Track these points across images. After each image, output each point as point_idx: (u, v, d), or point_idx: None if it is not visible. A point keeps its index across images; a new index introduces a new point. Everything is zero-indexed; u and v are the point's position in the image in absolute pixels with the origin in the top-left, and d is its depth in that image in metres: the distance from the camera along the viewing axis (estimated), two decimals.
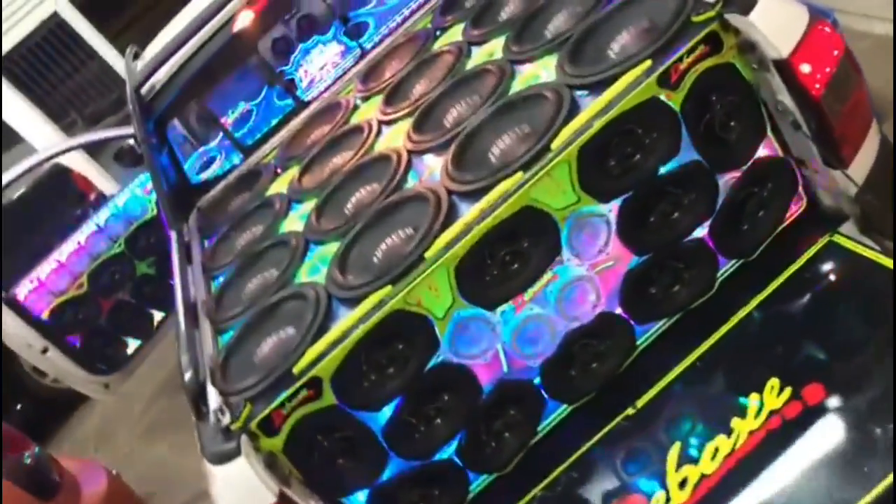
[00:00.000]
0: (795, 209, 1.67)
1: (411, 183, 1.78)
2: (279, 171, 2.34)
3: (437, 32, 2.34)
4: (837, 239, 1.59)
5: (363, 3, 2.61)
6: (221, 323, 1.80)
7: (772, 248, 1.67)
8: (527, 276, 1.56)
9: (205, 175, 2.65)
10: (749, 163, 1.61)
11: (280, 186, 2.23)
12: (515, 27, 1.94)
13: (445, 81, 2.00)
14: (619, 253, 1.61)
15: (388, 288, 1.48)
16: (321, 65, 2.59)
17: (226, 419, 1.47)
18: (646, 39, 1.56)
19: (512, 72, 1.80)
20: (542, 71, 1.76)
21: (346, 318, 1.49)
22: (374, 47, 2.58)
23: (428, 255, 1.48)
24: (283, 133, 2.54)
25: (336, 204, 1.90)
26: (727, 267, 1.68)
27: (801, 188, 1.66)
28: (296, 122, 2.54)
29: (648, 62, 1.48)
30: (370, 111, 2.23)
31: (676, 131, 1.52)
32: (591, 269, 1.61)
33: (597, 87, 1.53)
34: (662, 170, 1.55)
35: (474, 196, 1.52)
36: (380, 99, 2.20)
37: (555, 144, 1.48)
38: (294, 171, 2.23)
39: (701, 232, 1.63)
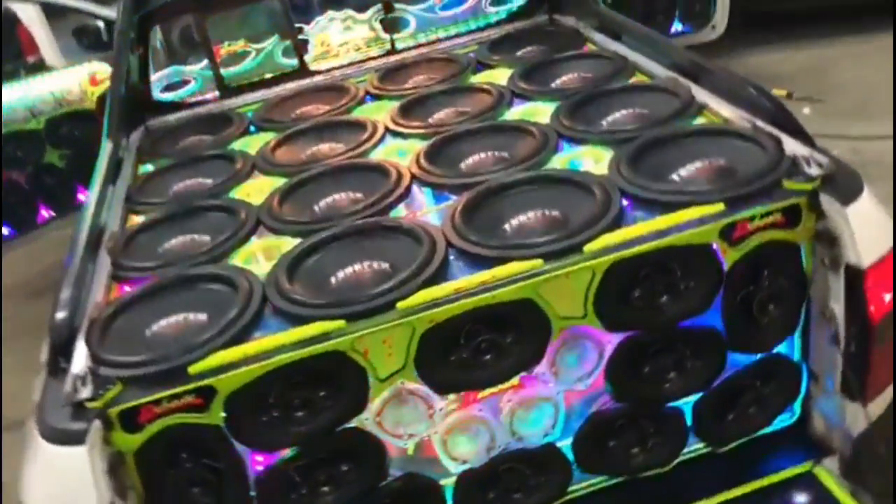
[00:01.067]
0: (781, 419, 1.52)
1: (403, 211, 1.54)
2: (252, 128, 2.06)
3: (478, 66, 2.14)
4: (819, 472, 1.43)
5: None
6: (124, 271, 1.49)
7: (744, 449, 1.50)
8: (496, 373, 1.32)
9: (168, 95, 2.33)
10: (765, 353, 1.44)
11: (248, 146, 1.95)
12: (572, 100, 1.75)
13: (476, 120, 1.78)
14: (595, 390, 1.40)
15: (341, 322, 1.22)
16: (343, 41, 2.33)
17: (85, 391, 1.17)
18: (721, 179, 1.38)
19: (555, 144, 1.60)
20: (589, 159, 1.57)
21: (276, 335, 1.22)
22: (405, 50, 2.35)
23: (401, 305, 1.23)
24: (274, 91, 2.26)
25: (306, 196, 1.63)
26: (691, 448, 1.50)
27: (799, 401, 1.50)
28: (291, 86, 2.26)
29: (721, 206, 1.30)
30: (379, 112, 1.99)
31: (715, 290, 1.34)
32: (560, 395, 1.39)
33: (653, 207, 1.34)
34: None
35: (479, 262, 1.29)
36: (394, 105, 1.96)
37: (588, 248, 1.27)
38: (269, 137, 1.96)
39: (683, 403, 1.45)
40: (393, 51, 2.34)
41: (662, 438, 1.46)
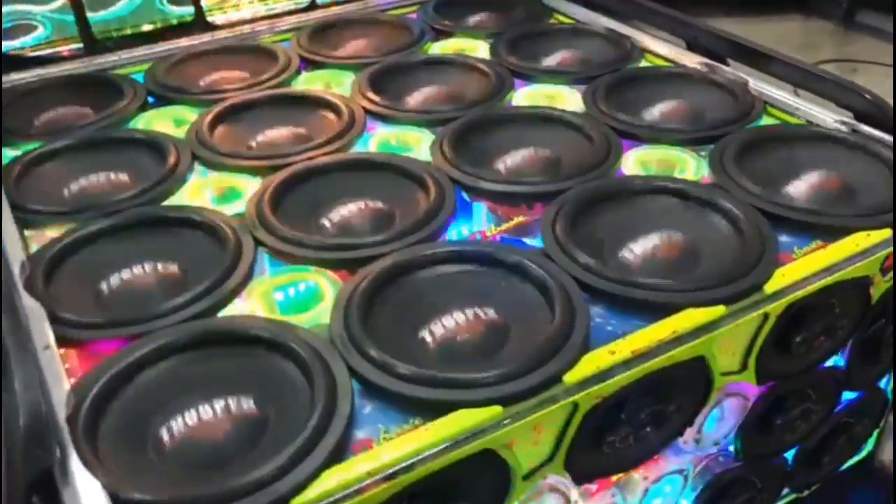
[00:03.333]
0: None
1: (464, 232, 1.16)
2: (150, 99, 1.51)
3: (434, 32, 1.76)
4: None
5: None
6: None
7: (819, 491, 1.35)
8: (648, 449, 1.02)
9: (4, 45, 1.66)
10: (867, 389, 1.29)
11: (163, 125, 1.42)
12: (601, 85, 1.46)
13: (486, 106, 1.42)
14: (718, 450, 1.16)
15: (497, 409, 0.85)
16: None
17: None
18: (867, 197, 1.18)
19: (619, 149, 1.30)
20: (654, 161, 1.30)
21: (405, 444, 0.82)
22: (326, 5, 1.88)
23: (568, 378, 0.89)
24: (162, 49, 1.69)
25: (310, 202, 1.19)
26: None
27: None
28: (184, 43, 1.71)
29: (889, 231, 1.10)
30: (335, 85, 1.56)
31: (859, 325, 1.15)
32: (691, 463, 1.12)
33: (813, 232, 1.10)
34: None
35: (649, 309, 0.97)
36: (356, 79, 1.53)
37: (769, 287, 1.01)
38: (183, 113, 1.45)
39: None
40: (314, 5, 1.86)
41: (767, 493, 1.26)
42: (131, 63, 1.66)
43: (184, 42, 1.71)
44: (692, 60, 1.57)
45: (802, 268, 1.03)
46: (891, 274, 1.13)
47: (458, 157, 1.26)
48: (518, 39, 1.69)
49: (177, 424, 0.84)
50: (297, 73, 1.60)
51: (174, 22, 1.74)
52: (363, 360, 0.89)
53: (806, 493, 1.33)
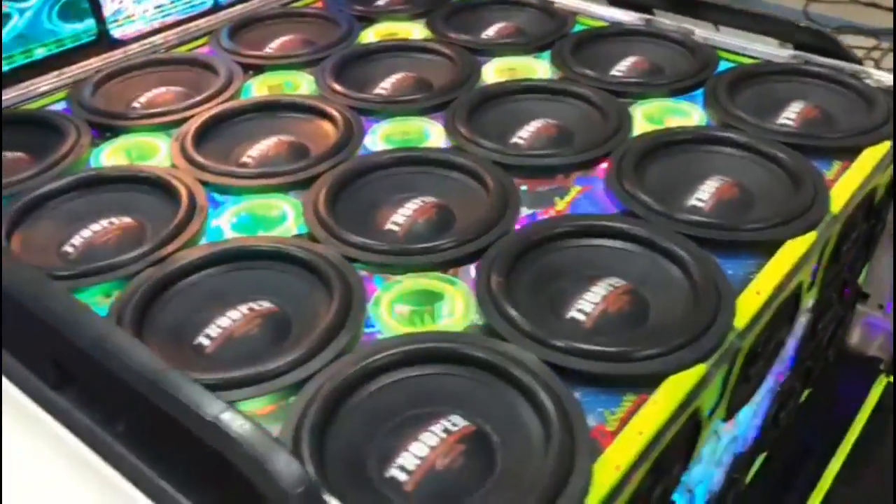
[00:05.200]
0: None
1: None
2: (97, 133, 1.32)
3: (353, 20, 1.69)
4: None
5: None
6: None
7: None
8: (763, 377, 1.10)
9: None
10: None
11: (122, 158, 1.25)
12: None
13: (462, 87, 1.41)
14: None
15: (702, 367, 0.87)
16: None
17: None
18: None
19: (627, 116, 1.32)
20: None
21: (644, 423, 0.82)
22: (227, 6, 1.73)
23: (737, 323, 0.93)
24: (67, 74, 1.47)
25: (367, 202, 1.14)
26: None
27: None
28: (95, 63, 1.50)
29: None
30: (294, 87, 1.46)
31: None
32: (775, 382, 1.22)
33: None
34: None
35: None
36: (319, 75, 1.45)
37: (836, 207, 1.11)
38: (153, 142, 1.30)
39: None
40: (217, 7, 1.71)
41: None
42: (40, 95, 1.44)
43: (94, 63, 1.51)
44: (629, 17, 1.65)
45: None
46: None
47: (475, 133, 1.26)
48: (452, 16, 1.68)
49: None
50: (242, 80, 1.48)
51: (73, 42, 1.52)
52: (555, 351, 0.88)
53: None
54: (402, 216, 1.10)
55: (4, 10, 1.44)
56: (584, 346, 0.87)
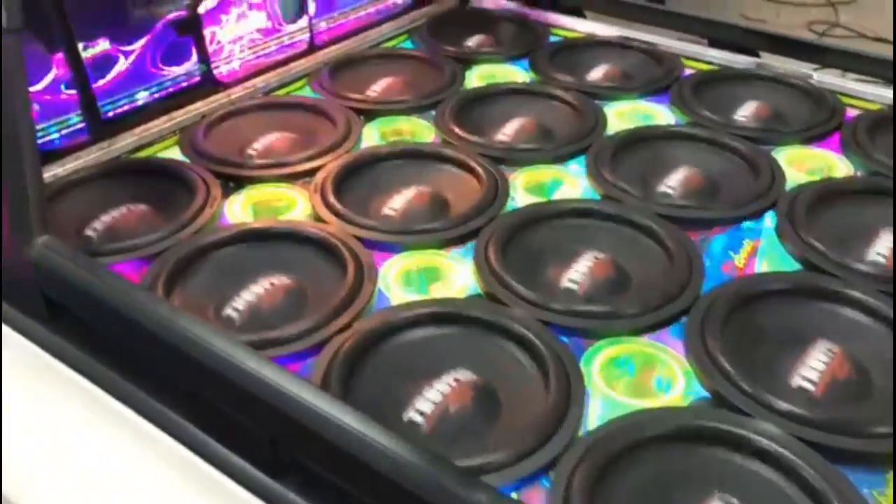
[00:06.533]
0: None
1: None
2: (224, 182, 1.25)
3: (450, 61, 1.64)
4: None
5: None
6: None
7: None
8: None
9: None
10: None
11: (249, 211, 1.19)
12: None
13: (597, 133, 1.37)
14: None
15: None
16: (235, 36, 1.55)
17: None
18: None
19: None
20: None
21: None
22: (324, 46, 1.67)
23: None
24: (173, 120, 1.40)
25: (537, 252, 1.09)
26: None
27: None
28: (200, 107, 1.43)
29: None
30: (414, 132, 1.41)
31: None
32: None
33: None
34: None
35: None
36: (439, 122, 1.40)
37: None
38: (294, 192, 1.24)
39: None
40: (313, 48, 1.65)
41: None
42: (150, 142, 1.36)
43: (200, 107, 1.44)
44: (737, 59, 1.64)
45: None
46: None
47: (621, 180, 1.23)
48: (554, 58, 1.64)
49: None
50: (360, 126, 1.42)
51: (178, 85, 1.45)
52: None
53: None
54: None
55: (112, 53, 1.37)
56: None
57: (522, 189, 1.26)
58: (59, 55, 1.29)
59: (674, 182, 1.25)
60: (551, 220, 1.15)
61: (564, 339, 0.94)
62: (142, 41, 1.40)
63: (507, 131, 1.40)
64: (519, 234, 1.11)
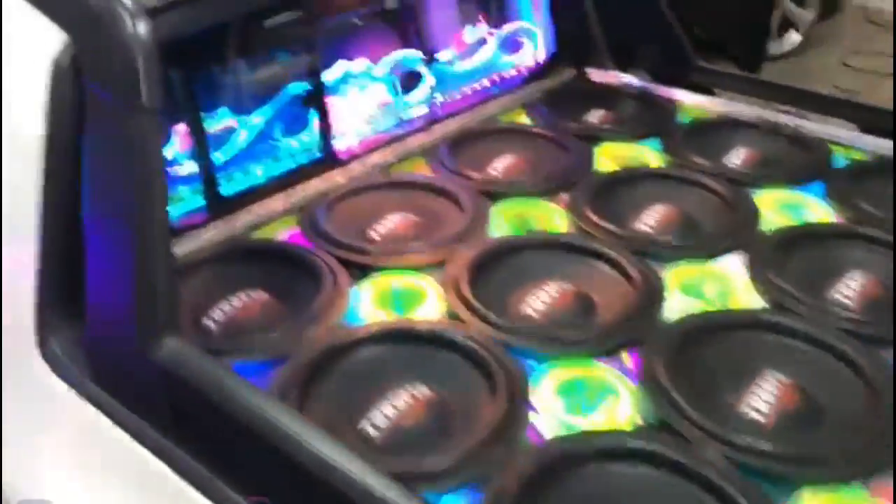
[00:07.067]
0: None
1: None
2: (340, 268, 1.15)
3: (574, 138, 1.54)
4: None
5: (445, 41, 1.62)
6: None
7: None
8: None
9: None
10: None
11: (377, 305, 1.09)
12: None
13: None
14: None
15: None
16: (355, 109, 1.48)
17: None
18: None
19: None
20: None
21: None
22: (442, 119, 1.58)
23: None
24: (289, 197, 1.32)
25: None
26: None
27: None
28: (318, 185, 1.35)
29: None
30: (541, 219, 1.30)
31: None
32: None
33: None
34: None
35: None
36: (577, 208, 1.29)
37: None
38: (424, 282, 1.14)
39: None
40: (433, 120, 1.57)
41: None
42: (268, 220, 1.28)
43: (319, 184, 1.36)
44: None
45: None
46: None
47: (788, 282, 1.11)
48: (689, 139, 1.53)
49: None
50: (489, 210, 1.32)
51: (296, 160, 1.37)
52: None
53: None
54: None
55: (232, 125, 1.31)
56: None
57: (678, 289, 1.14)
58: (180, 125, 1.23)
59: (849, 291, 1.12)
60: (722, 332, 1.02)
61: None
62: (263, 112, 1.34)
63: (649, 221, 1.28)
64: (687, 348, 0.99)
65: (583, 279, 1.14)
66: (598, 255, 1.17)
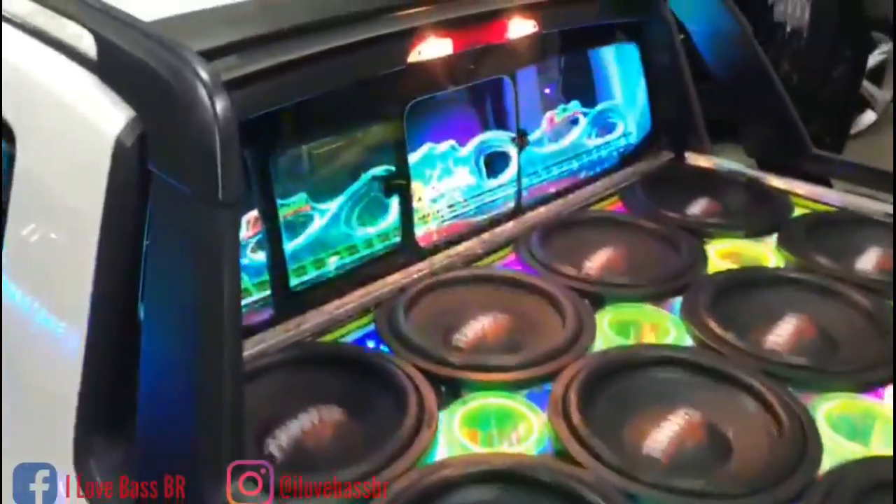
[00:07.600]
0: None
1: None
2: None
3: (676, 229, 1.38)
4: None
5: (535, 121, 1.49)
6: None
7: None
8: None
9: None
10: None
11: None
12: None
13: None
14: None
15: None
16: (439, 193, 1.34)
17: None
18: None
19: None
20: None
21: None
22: (528, 208, 1.43)
23: None
24: (368, 293, 1.17)
25: None
26: None
27: None
28: (398, 278, 1.21)
29: None
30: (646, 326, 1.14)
31: None
32: None
33: None
34: None
35: None
36: (672, 313, 1.13)
37: None
38: (520, 405, 0.98)
39: None
40: (518, 208, 1.42)
41: None
42: (342, 320, 1.13)
43: (399, 278, 1.21)
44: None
45: None
46: None
47: None
48: (809, 237, 1.35)
49: None
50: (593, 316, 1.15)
51: (372, 250, 1.22)
52: None
53: None
54: None
55: (307, 211, 1.17)
56: None
57: (827, 425, 0.95)
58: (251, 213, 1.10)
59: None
60: None
61: None
62: (341, 197, 1.20)
63: (782, 336, 1.10)
64: None
65: (712, 408, 0.96)
66: (731, 380, 0.99)
